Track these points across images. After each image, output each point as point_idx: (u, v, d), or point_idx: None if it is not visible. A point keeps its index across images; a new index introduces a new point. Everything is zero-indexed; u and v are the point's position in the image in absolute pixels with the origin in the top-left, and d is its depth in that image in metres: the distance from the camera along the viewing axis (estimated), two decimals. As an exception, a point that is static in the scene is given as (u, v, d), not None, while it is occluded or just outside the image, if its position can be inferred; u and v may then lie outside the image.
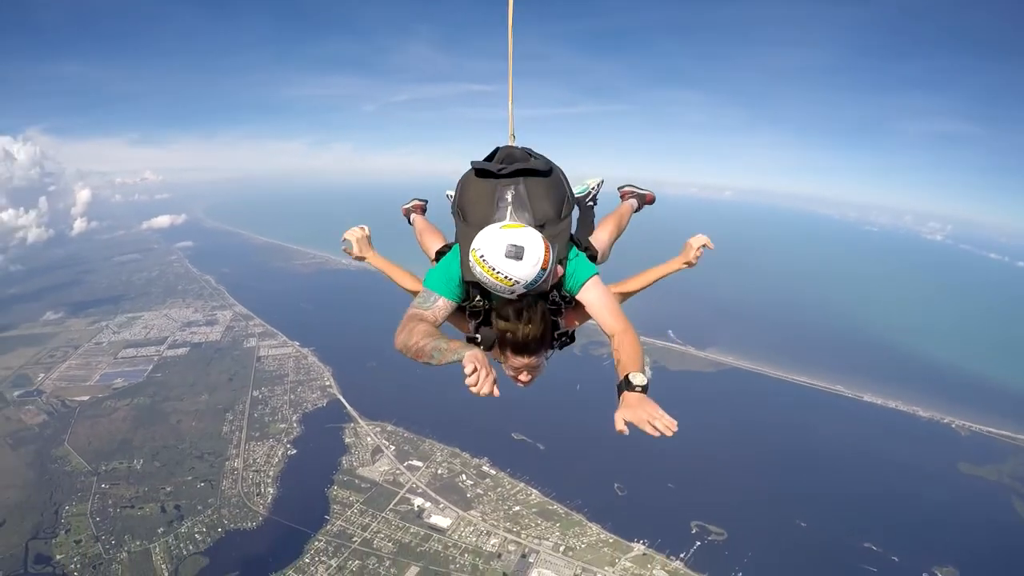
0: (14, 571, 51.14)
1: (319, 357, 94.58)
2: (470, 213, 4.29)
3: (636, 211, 6.63)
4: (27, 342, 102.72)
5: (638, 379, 3.48)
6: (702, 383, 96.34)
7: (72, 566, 51.53)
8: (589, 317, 4.52)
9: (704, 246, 5.54)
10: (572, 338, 4.41)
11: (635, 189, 6.74)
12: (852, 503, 66.31)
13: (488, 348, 4.03)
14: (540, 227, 4.10)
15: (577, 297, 4.22)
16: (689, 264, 5.55)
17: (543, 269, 3.69)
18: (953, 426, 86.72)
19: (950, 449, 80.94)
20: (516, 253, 3.60)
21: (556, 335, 4.18)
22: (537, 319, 3.89)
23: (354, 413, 78.03)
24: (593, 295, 4.20)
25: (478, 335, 4.14)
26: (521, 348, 3.90)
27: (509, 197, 4.23)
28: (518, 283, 3.64)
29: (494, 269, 3.59)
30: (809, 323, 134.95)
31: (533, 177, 4.32)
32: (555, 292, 4.16)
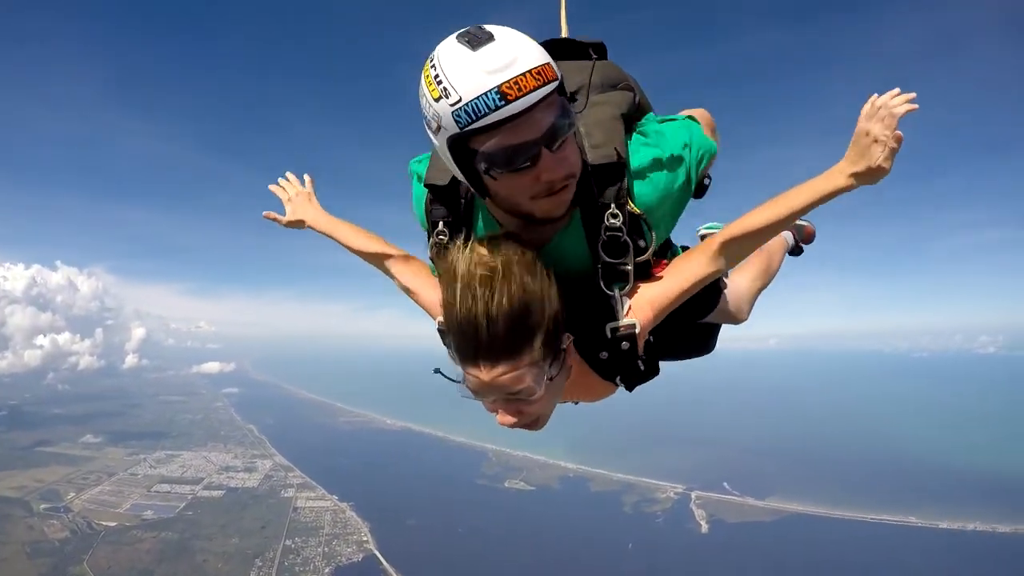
0: None
1: (357, 512, 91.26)
2: None
3: (793, 252, 4.46)
4: (63, 460, 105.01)
5: None
6: (764, 533, 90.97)
7: None
8: (679, 291, 2.37)
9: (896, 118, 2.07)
10: (651, 361, 2.52)
11: None
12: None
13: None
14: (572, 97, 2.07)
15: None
16: (872, 172, 2.07)
17: (540, 79, 1.85)
18: None
19: None
20: (477, 34, 1.88)
21: (613, 337, 2.29)
22: (508, 264, 1.98)
23: (391, 570, 74.79)
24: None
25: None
26: (478, 341, 1.95)
27: None
28: (526, 70, 1.81)
29: (473, 79, 1.80)
30: (867, 459, 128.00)
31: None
32: (610, 204, 2.24)
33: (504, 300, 1.90)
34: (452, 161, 2.00)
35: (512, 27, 2.00)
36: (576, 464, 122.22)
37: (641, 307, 2.33)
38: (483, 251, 1.99)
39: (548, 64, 1.89)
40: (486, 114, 1.81)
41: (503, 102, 1.79)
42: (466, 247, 2.01)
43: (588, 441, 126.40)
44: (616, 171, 2.23)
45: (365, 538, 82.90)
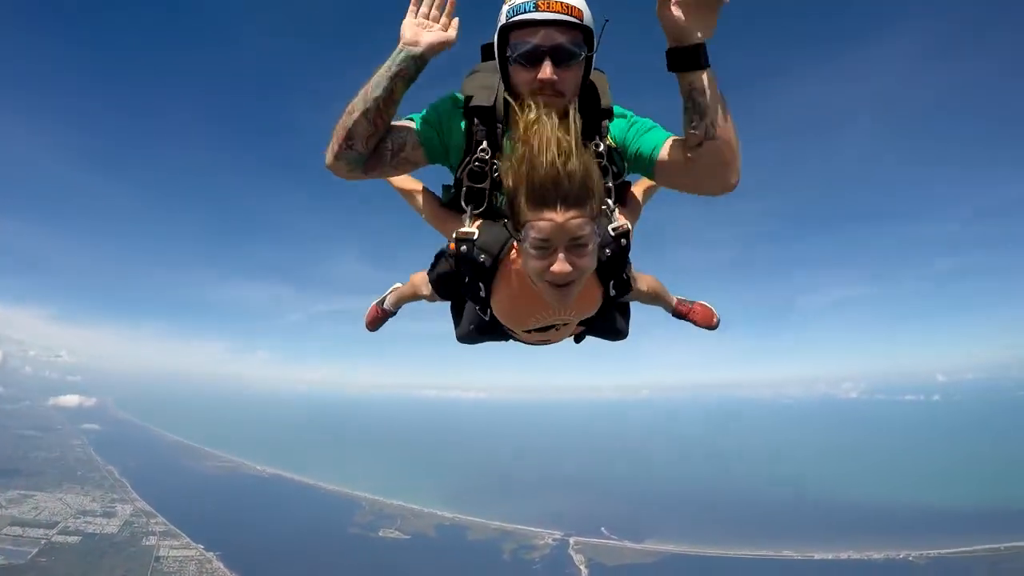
0: None
1: (224, 562, 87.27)
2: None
3: (679, 314, 5.63)
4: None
5: None
6: (645, 574, 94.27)
7: None
8: (647, 197, 3.94)
9: None
10: (627, 278, 3.29)
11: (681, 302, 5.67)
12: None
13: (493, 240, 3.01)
14: None
15: (662, 155, 3.02)
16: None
17: (566, 10, 2.82)
18: (910, 558, 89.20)
19: None
20: None
21: (615, 234, 2.96)
22: (579, 142, 2.58)
23: None
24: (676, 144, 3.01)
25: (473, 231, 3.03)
26: (558, 187, 2.50)
27: None
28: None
29: None
30: (739, 498, 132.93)
31: None
32: (596, 136, 3.11)
33: (578, 162, 2.47)
34: (497, 46, 2.95)
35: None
36: (452, 512, 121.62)
37: (626, 216, 3.23)
38: (559, 127, 2.55)
39: (580, 8, 2.84)
40: (520, 14, 2.79)
41: (533, 9, 2.76)
42: (548, 119, 2.57)
43: (463, 489, 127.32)
44: (605, 114, 3.15)
45: None
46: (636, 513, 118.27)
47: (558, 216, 2.49)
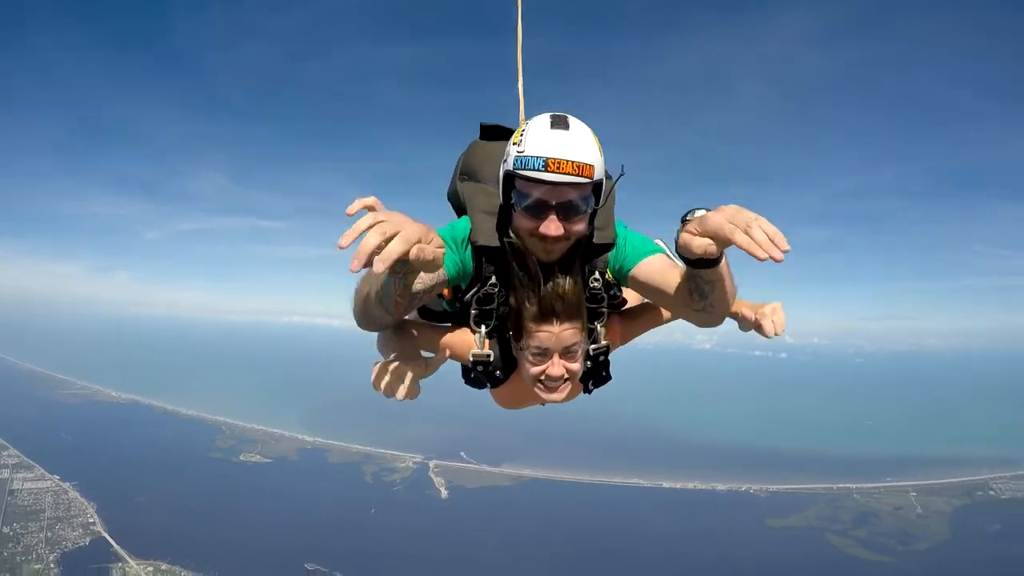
0: None
1: (82, 492, 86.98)
2: (483, 171, 3.62)
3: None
4: None
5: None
6: (501, 495, 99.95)
7: None
8: (636, 333, 4.06)
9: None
10: (608, 370, 3.76)
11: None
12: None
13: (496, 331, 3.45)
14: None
15: (642, 269, 3.34)
16: (763, 331, 3.80)
17: (600, 152, 3.00)
18: (752, 491, 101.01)
19: (755, 511, 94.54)
20: (562, 121, 2.98)
21: (592, 352, 3.53)
22: (575, 280, 3.18)
23: (122, 552, 72.58)
24: (662, 262, 3.33)
25: (488, 354, 3.46)
26: (552, 308, 3.10)
27: None
28: (570, 159, 2.85)
29: (538, 146, 2.88)
30: (593, 432, 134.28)
31: None
32: (595, 271, 3.39)
33: (574, 288, 3.11)
34: (502, 186, 3.10)
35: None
36: (313, 436, 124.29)
37: (612, 337, 3.69)
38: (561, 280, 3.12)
39: (591, 165, 2.89)
40: (529, 169, 2.86)
41: (542, 169, 2.84)
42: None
43: (325, 415, 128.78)
44: (607, 248, 3.35)
45: (92, 519, 79.76)
46: (494, 440, 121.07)
47: (555, 328, 3.12)
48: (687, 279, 3.04)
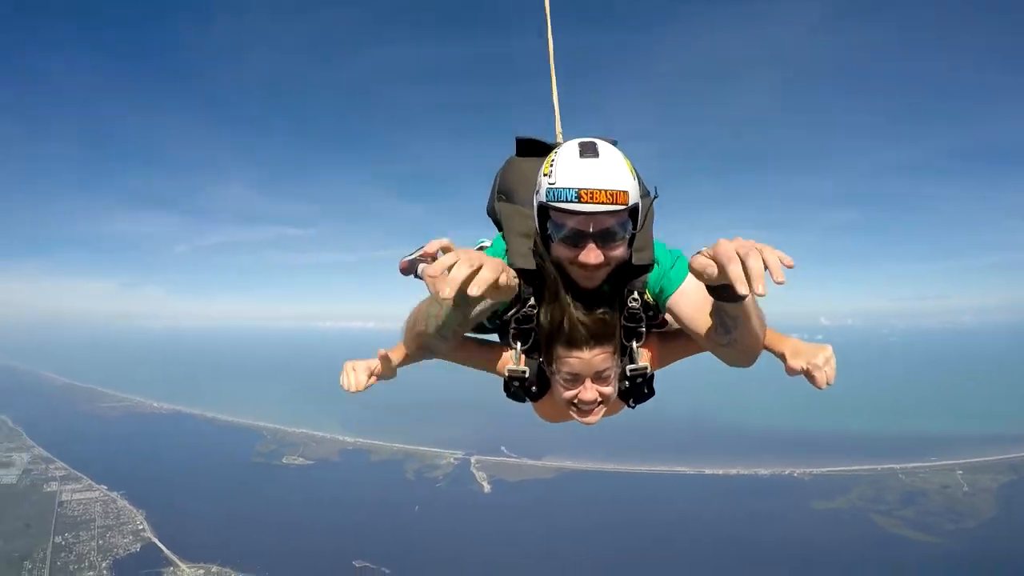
0: None
1: (130, 500, 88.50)
2: (519, 191, 3.58)
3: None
4: None
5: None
6: (544, 488, 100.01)
7: None
8: (676, 357, 3.79)
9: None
10: (651, 386, 3.56)
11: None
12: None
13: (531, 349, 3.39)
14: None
15: (675, 298, 3.24)
16: (815, 383, 3.24)
17: (633, 176, 2.92)
18: (795, 475, 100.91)
19: (801, 494, 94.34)
20: (591, 148, 2.89)
21: (630, 373, 3.39)
22: (609, 308, 3.14)
23: (173, 557, 73.67)
24: (697, 292, 2.96)
25: (523, 370, 3.41)
26: (582, 335, 3.04)
27: None
28: (603, 188, 2.77)
29: (569, 177, 2.80)
30: (635, 423, 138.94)
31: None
32: (634, 291, 3.29)
33: (605, 315, 3.03)
34: (536, 218, 3.03)
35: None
36: (354, 437, 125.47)
37: (652, 353, 3.60)
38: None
39: (624, 191, 2.78)
40: (562, 201, 2.77)
41: (576, 200, 2.75)
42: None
43: (363, 416, 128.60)
44: (646, 270, 3.23)
45: (141, 526, 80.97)
46: (534, 434, 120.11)
47: (584, 354, 3.05)
48: (713, 311, 2.94)
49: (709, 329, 3.05)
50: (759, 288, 2.18)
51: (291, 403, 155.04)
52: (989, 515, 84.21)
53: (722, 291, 2.59)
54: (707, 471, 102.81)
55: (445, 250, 2.78)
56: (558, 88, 4.60)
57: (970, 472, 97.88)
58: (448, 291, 2.21)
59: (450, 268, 2.29)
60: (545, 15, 4.78)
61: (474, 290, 2.27)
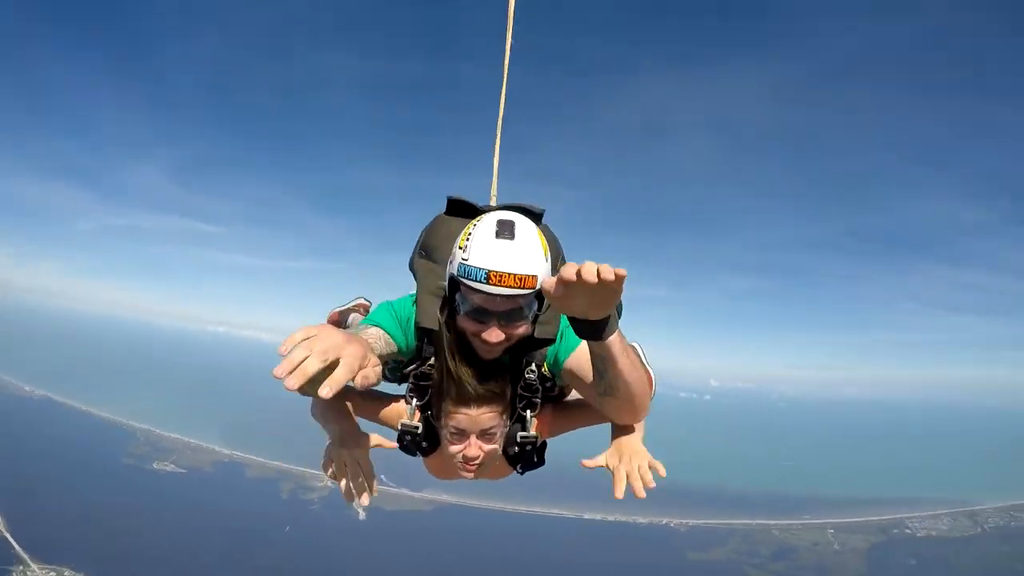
0: None
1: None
2: (441, 249, 3.61)
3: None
4: None
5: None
6: (420, 520, 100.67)
7: None
8: (569, 427, 3.96)
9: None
10: (541, 455, 3.78)
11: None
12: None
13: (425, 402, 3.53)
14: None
15: (570, 359, 3.38)
16: (615, 479, 3.56)
17: (546, 258, 3.02)
18: (672, 525, 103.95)
19: (676, 544, 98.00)
20: (507, 229, 2.97)
21: (521, 440, 3.58)
22: (500, 379, 3.31)
23: (24, 555, 70.82)
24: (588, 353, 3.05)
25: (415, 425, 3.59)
26: (470, 394, 3.19)
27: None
28: (512, 272, 2.86)
29: (481, 256, 2.89)
30: None
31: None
32: (532, 363, 3.47)
33: (491, 387, 3.20)
34: (447, 285, 3.21)
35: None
36: (230, 450, 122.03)
37: (542, 428, 3.70)
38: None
39: (532, 276, 2.88)
40: (472, 279, 2.89)
41: (484, 281, 2.86)
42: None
43: (243, 428, 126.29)
44: (548, 343, 3.40)
45: None
46: (417, 465, 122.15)
47: (472, 412, 3.24)
48: (591, 357, 3.02)
49: (592, 382, 3.14)
50: (591, 276, 2.25)
51: (170, 406, 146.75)
52: (857, 573, 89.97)
53: (580, 325, 2.69)
54: (586, 516, 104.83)
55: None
56: (500, 149, 4.66)
57: (841, 532, 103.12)
58: (293, 383, 2.00)
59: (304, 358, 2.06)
60: (503, 72, 4.80)
61: (324, 391, 2.04)
